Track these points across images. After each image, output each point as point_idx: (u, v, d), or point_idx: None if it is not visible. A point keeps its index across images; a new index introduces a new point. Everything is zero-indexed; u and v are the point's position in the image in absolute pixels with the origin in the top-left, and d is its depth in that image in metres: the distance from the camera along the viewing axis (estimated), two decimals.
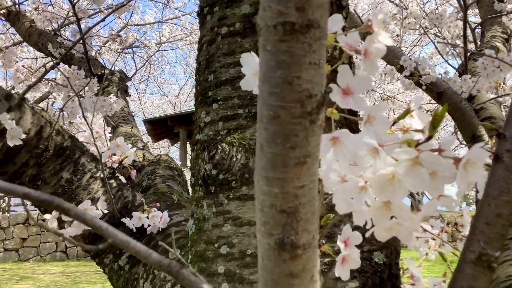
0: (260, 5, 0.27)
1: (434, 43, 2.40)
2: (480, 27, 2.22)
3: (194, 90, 0.96)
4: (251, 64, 0.38)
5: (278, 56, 0.28)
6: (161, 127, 7.31)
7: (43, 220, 1.04)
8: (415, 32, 3.88)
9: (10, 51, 1.56)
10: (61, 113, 1.22)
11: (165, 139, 8.47)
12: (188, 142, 6.92)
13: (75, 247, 14.27)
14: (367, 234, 0.43)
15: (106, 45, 3.52)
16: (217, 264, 0.67)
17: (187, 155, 7.21)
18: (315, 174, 0.31)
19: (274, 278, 0.32)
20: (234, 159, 0.66)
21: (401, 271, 0.77)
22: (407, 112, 0.48)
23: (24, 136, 0.95)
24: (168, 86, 15.57)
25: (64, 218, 0.95)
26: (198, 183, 0.71)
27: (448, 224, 0.98)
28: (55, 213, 0.97)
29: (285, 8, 0.26)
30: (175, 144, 9.08)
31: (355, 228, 0.45)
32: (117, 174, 1.12)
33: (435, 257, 0.91)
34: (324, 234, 0.68)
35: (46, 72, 1.20)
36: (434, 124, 0.39)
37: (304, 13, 0.26)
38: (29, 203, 0.39)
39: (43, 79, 1.60)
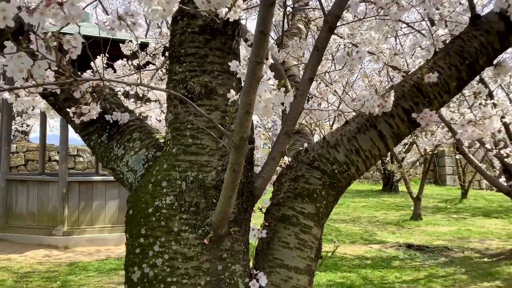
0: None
1: None
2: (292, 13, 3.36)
3: None
4: (235, 64, 1.33)
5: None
6: None
7: None
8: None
9: None
10: None
11: None
12: None
13: None
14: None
15: None
16: (186, 132, 1.61)
17: None
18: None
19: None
20: (195, 88, 1.60)
21: None
22: (269, 78, 1.48)
23: None
24: None
25: (83, 110, 1.75)
26: (176, 98, 1.63)
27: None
28: (74, 109, 1.76)
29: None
30: None
31: None
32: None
33: None
34: None
35: None
36: (280, 84, 1.39)
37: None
38: None
39: None
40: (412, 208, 11.28)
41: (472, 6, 1.83)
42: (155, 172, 1.64)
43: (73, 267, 6.15)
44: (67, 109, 1.77)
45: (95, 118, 1.79)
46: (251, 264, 1.73)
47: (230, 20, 1.57)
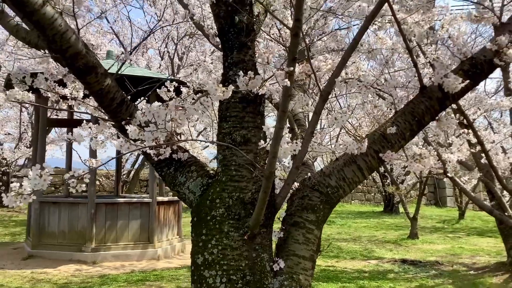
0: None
1: None
2: None
3: None
4: (266, 127, 2.21)
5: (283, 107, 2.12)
6: None
7: None
8: None
9: None
10: None
11: None
12: None
13: None
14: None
15: None
16: (231, 167, 2.48)
17: None
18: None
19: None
20: (237, 138, 2.48)
21: None
22: (286, 133, 2.36)
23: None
24: None
25: (160, 151, 2.62)
26: (225, 146, 2.50)
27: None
28: (154, 151, 2.65)
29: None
30: None
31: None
32: None
33: None
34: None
35: None
36: (293, 139, 2.26)
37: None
38: None
39: None
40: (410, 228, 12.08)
41: (420, 80, 2.71)
42: (210, 193, 2.52)
43: (104, 279, 6.97)
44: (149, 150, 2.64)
45: (167, 157, 2.67)
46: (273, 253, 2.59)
47: (259, 93, 2.47)
